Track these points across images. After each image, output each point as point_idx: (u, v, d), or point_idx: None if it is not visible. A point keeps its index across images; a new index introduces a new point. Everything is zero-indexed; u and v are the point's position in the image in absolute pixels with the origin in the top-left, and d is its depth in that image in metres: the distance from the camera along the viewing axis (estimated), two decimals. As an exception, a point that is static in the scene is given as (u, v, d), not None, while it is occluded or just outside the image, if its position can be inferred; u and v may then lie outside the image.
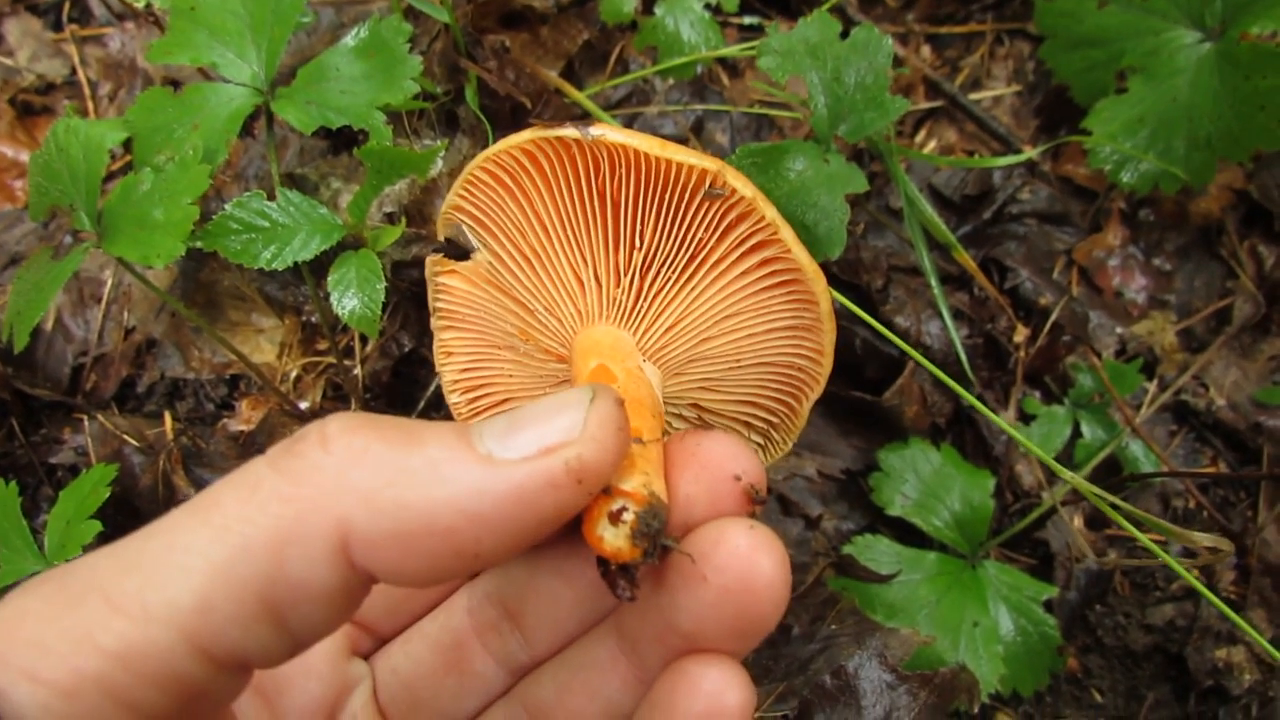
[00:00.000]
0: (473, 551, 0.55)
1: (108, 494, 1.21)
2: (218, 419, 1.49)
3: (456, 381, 1.08)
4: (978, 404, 1.20)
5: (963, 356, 1.44)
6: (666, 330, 0.91)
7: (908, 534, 1.44)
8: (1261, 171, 1.56)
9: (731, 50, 1.47)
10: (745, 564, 0.61)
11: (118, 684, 0.49)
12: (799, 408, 1.08)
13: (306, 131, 1.21)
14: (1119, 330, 1.55)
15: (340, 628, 0.61)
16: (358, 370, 1.46)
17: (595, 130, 0.80)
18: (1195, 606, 1.46)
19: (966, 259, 1.49)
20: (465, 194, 0.92)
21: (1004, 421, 1.38)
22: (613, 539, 0.63)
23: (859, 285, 1.47)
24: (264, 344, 1.50)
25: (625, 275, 0.89)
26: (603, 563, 0.65)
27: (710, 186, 0.84)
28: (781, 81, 1.33)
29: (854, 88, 1.31)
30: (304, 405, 1.46)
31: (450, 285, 1.02)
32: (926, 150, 1.63)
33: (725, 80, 1.65)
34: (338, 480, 0.54)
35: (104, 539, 1.31)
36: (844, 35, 1.29)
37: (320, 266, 1.28)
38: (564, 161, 0.84)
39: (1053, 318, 1.50)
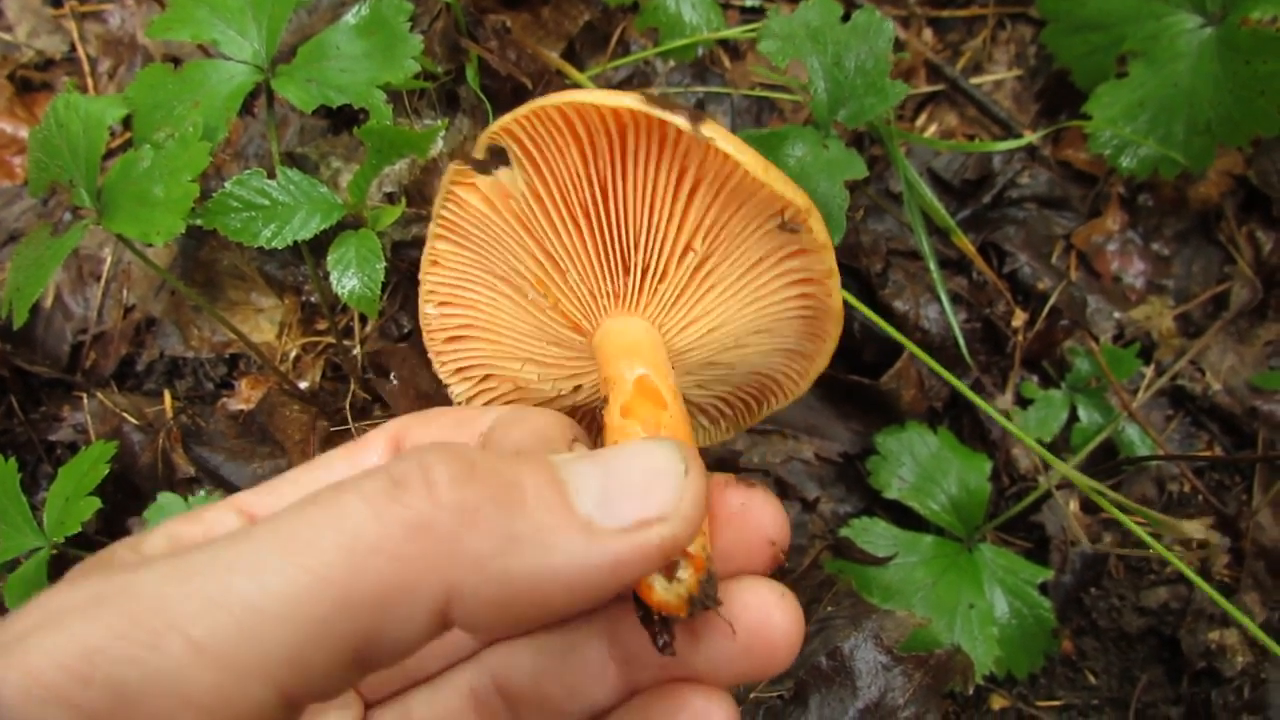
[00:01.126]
0: (559, 613, 0.56)
1: (107, 471, 1.22)
2: (217, 398, 1.50)
3: (434, 291, 1.06)
4: (969, 393, 1.21)
5: (961, 340, 1.44)
6: (700, 337, 0.91)
7: (904, 517, 1.45)
8: (1260, 157, 1.56)
9: (733, 32, 1.47)
10: (773, 627, 0.68)
11: None
12: (759, 411, 1.11)
13: (307, 110, 1.21)
14: (1117, 315, 1.56)
15: None
16: (357, 350, 1.46)
17: (706, 131, 0.77)
18: (1189, 589, 1.47)
19: (965, 243, 1.49)
20: (525, 124, 0.84)
21: (994, 410, 1.38)
22: (664, 594, 0.65)
23: (858, 269, 1.48)
24: (263, 323, 1.50)
25: (677, 272, 0.87)
26: (643, 607, 0.67)
27: (789, 220, 0.84)
28: (782, 65, 1.32)
29: (854, 72, 1.30)
30: (303, 385, 1.47)
31: (465, 200, 0.95)
32: (928, 134, 1.63)
33: (727, 62, 1.64)
34: (451, 545, 0.52)
35: (103, 516, 1.33)
36: (845, 18, 1.29)
37: (320, 246, 1.28)
38: (654, 142, 0.81)
39: (1051, 302, 1.50)
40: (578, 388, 1.02)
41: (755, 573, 0.71)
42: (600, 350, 0.87)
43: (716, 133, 0.78)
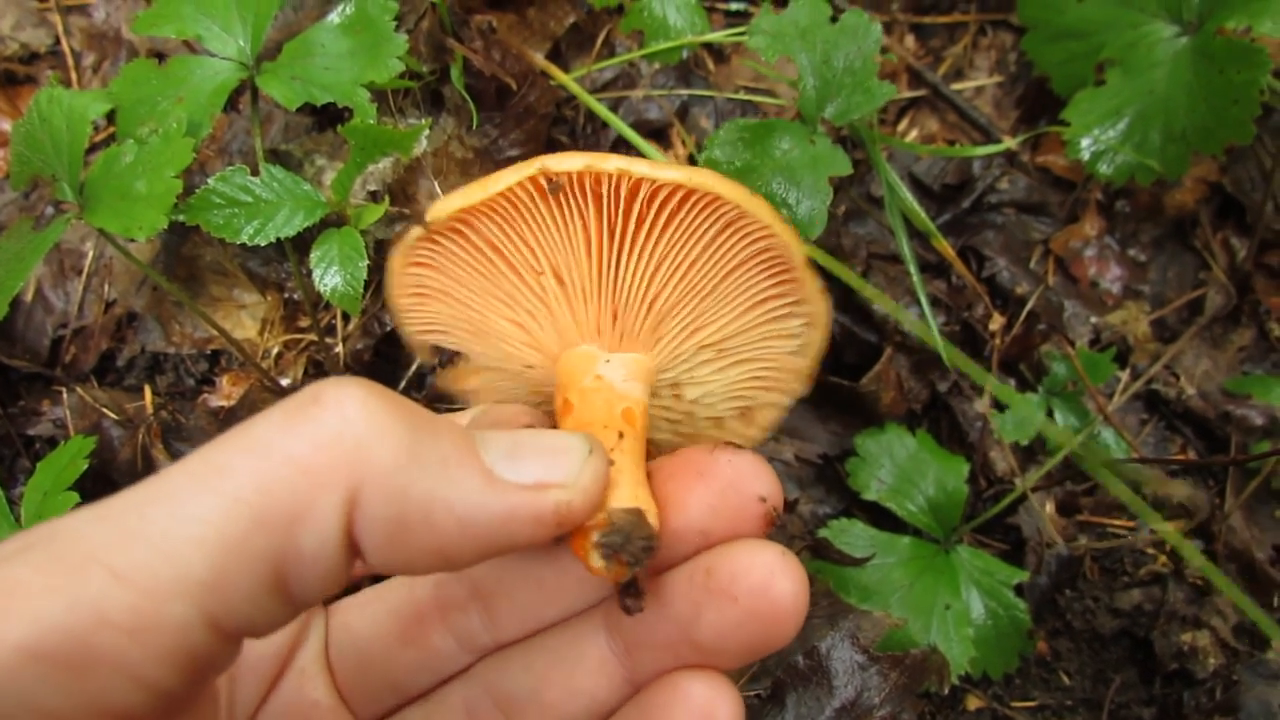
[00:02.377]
0: (449, 556, 0.57)
1: (86, 466, 1.22)
2: (198, 394, 1.49)
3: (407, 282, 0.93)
4: (983, 372, 1.22)
5: (939, 343, 1.46)
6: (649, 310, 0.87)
7: (883, 518, 1.46)
8: (1235, 165, 1.58)
9: (718, 35, 1.48)
10: (776, 589, 0.65)
11: (130, 659, 0.47)
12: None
13: (291, 107, 1.21)
14: (1093, 320, 1.57)
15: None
16: (339, 348, 1.46)
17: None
18: (1162, 592, 1.49)
19: (945, 247, 1.50)
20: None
21: (990, 378, 1.39)
22: (596, 563, 0.65)
23: (839, 271, 1.49)
24: (245, 320, 1.50)
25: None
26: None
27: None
28: (771, 61, 1.33)
29: (842, 71, 1.32)
30: (285, 382, 1.47)
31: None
32: (909, 139, 1.64)
33: (711, 65, 1.65)
34: (355, 454, 0.53)
35: (83, 511, 1.32)
36: (833, 20, 1.30)
37: (303, 243, 1.28)
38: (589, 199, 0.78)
39: (1028, 306, 1.52)
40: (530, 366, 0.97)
41: (751, 535, 0.70)
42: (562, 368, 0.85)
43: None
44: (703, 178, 0.74)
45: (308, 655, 0.75)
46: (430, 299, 0.89)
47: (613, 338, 0.83)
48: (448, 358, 0.95)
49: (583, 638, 0.73)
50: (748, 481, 0.70)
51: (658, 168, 0.74)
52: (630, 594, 0.66)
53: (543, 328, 0.84)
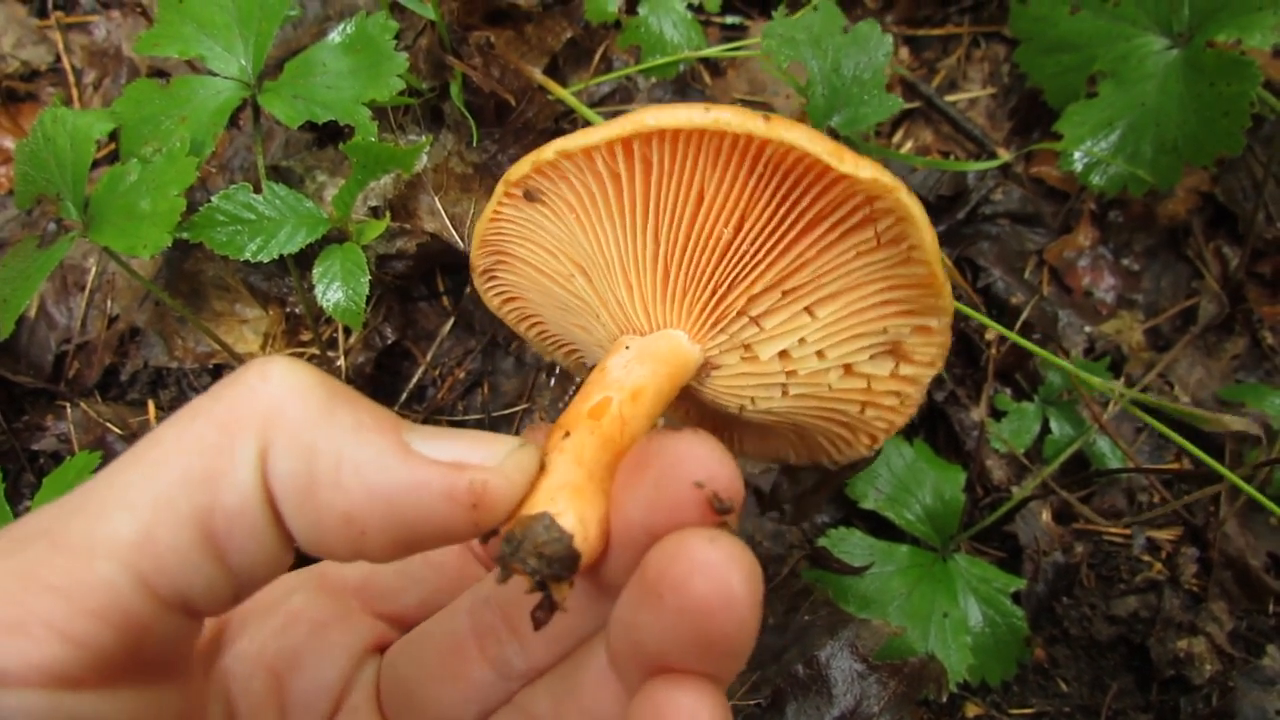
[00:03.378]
0: (360, 526, 0.56)
1: (92, 481, 1.22)
2: (201, 408, 1.50)
3: (488, 243, 0.90)
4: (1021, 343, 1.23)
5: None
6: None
7: (881, 527, 1.48)
8: (1226, 175, 1.60)
9: (714, 51, 1.49)
10: (703, 581, 0.56)
11: (63, 620, 0.49)
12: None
13: (293, 126, 1.22)
14: (1087, 329, 1.59)
15: (279, 576, 0.59)
16: (341, 362, 1.48)
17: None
18: (1158, 599, 1.50)
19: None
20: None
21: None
22: (497, 574, 0.61)
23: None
24: (248, 334, 1.51)
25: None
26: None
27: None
28: (782, 65, 1.33)
29: (851, 80, 1.33)
30: (287, 395, 1.48)
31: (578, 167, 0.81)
32: (903, 150, 1.66)
33: (708, 79, 1.67)
34: (270, 408, 0.55)
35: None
36: (844, 30, 1.31)
37: (305, 258, 1.29)
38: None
39: (1023, 316, 1.54)
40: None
41: (694, 524, 0.60)
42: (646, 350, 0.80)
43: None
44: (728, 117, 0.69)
45: (360, 695, 0.75)
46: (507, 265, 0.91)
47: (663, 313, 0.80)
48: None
49: (588, 657, 0.71)
50: (683, 466, 0.61)
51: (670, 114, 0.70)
52: (540, 606, 0.61)
53: (597, 323, 0.84)
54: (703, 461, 0.61)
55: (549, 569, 0.60)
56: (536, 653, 0.73)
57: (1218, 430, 1.33)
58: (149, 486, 0.52)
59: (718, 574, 0.56)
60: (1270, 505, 1.30)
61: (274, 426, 0.55)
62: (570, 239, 0.83)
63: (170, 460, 0.53)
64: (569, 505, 0.63)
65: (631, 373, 0.76)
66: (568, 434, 0.68)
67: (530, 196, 0.82)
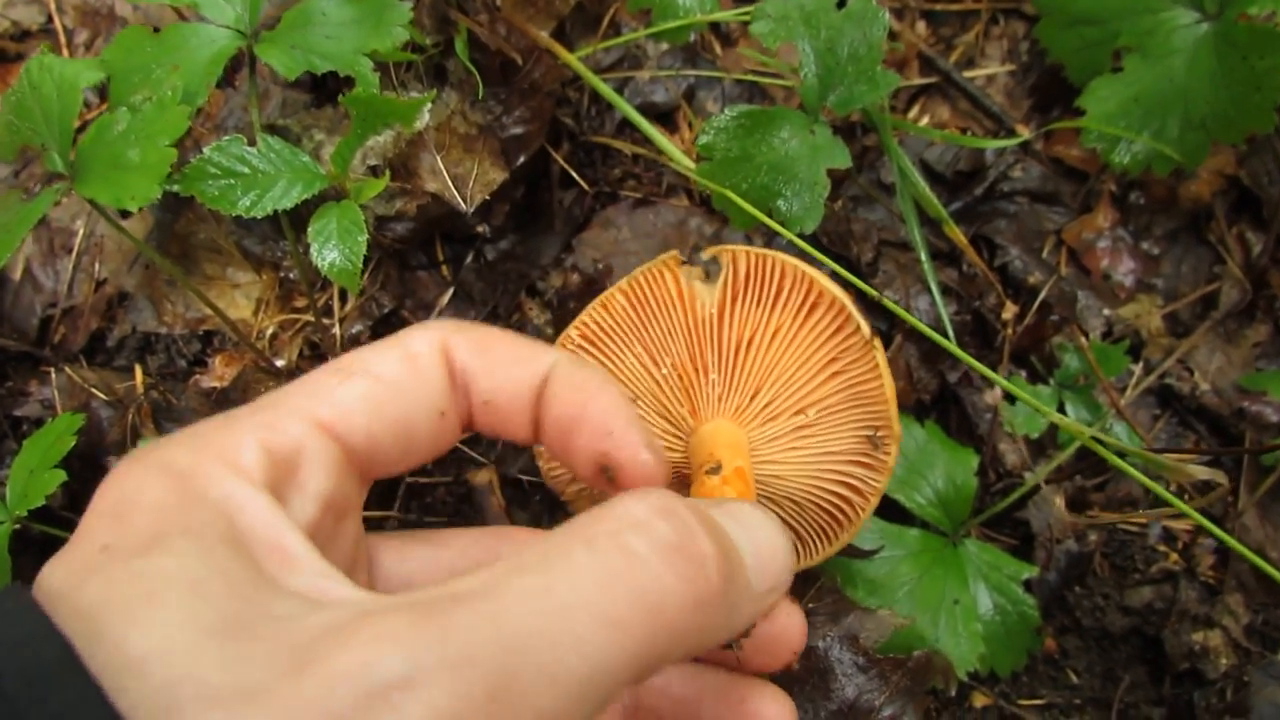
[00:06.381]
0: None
1: (73, 443, 1.18)
2: (190, 375, 1.46)
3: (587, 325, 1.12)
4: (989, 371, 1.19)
5: (950, 332, 1.43)
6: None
7: (890, 511, 1.43)
8: (1252, 157, 1.56)
9: (727, 15, 1.44)
10: None
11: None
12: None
13: (290, 76, 1.17)
14: (1106, 312, 1.55)
15: None
16: (336, 329, 1.43)
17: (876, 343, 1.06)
18: (1174, 590, 1.46)
19: (958, 234, 1.47)
20: (752, 261, 1.06)
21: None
22: None
23: (848, 257, 1.46)
24: (240, 299, 1.46)
25: (785, 420, 1.10)
26: None
27: (879, 438, 1.11)
28: (773, 48, 1.31)
29: (846, 59, 1.29)
30: (280, 363, 1.43)
31: (662, 277, 1.07)
32: (921, 126, 1.61)
33: (718, 48, 1.62)
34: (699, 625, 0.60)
35: (68, 492, 1.28)
36: (840, 5, 1.27)
37: (300, 220, 1.25)
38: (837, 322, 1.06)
39: (1041, 296, 1.49)
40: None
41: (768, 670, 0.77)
42: (710, 436, 1.04)
43: (879, 348, 1.03)
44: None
45: None
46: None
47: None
48: None
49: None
50: (791, 640, 0.77)
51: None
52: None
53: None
54: (802, 636, 0.77)
55: None
56: None
57: (1181, 480, 1.31)
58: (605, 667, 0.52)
59: None
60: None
61: (684, 643, 0.60)
62: None
63: (632, 645, 0.54)
64: None
65: None
66: None
67: None
